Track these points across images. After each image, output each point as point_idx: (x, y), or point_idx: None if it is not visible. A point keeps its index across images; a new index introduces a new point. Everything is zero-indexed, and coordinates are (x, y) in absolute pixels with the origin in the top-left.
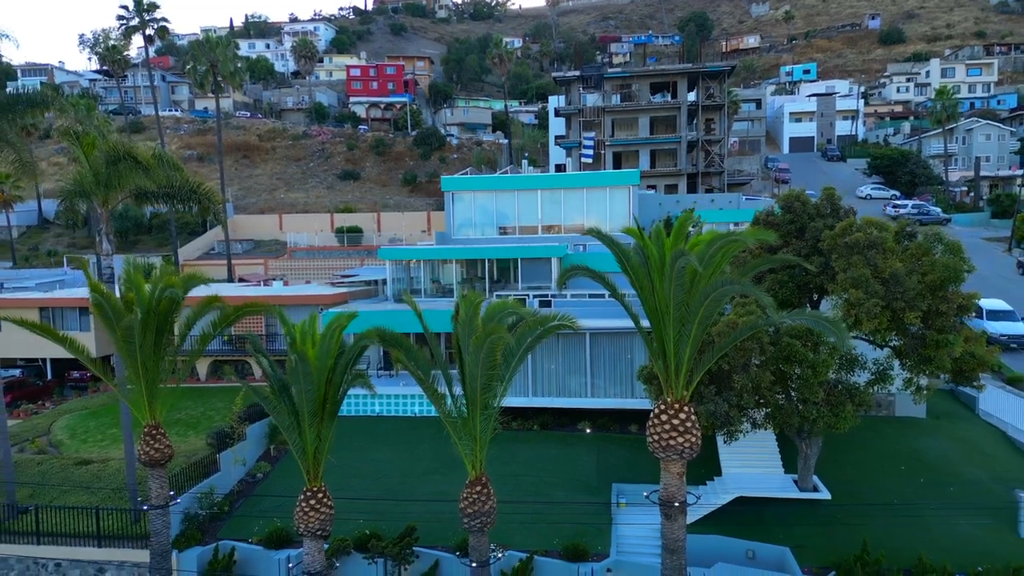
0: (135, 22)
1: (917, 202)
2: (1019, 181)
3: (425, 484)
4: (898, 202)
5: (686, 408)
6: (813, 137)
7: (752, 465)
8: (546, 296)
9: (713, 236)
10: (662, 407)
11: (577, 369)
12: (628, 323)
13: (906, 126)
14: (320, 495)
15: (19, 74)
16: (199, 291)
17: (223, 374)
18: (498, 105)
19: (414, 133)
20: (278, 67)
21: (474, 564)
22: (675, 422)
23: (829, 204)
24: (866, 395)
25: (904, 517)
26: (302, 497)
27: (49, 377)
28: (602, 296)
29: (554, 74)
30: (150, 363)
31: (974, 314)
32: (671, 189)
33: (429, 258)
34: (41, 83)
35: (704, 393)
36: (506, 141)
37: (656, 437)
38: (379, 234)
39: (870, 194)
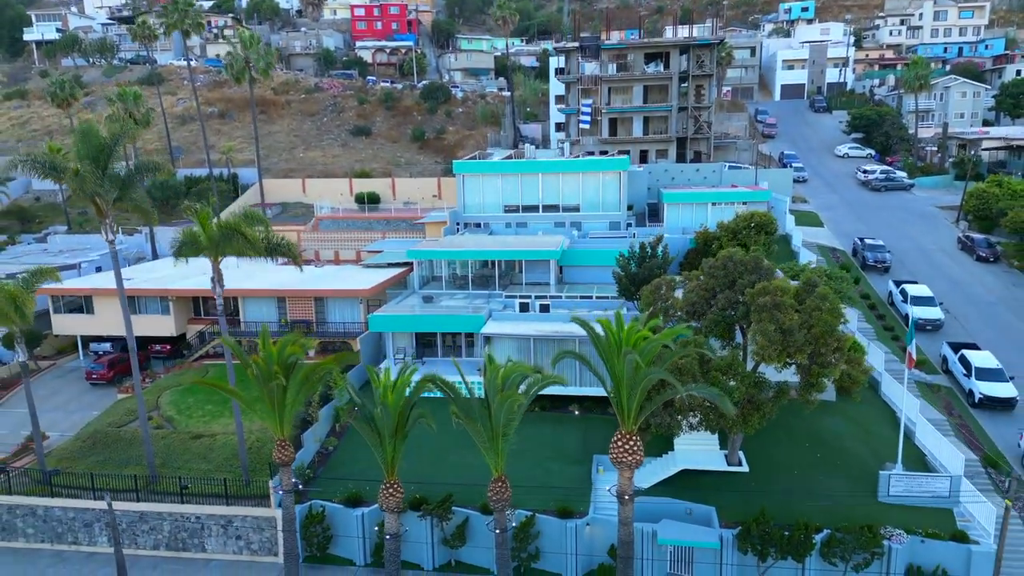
0: None
1: (885, 168)
2: (982, 145)
3: (456, 456)
4: (867, 167)
5: (634, 437)
6: (804, 84)
7: (696, 444)
8: (546, 298)
9: (647, 337)
10: (618, 435)
11: (569, 363)
12: None
13: (891, 78)
14: (396, 485)
15: (33, 20)
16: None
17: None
18: (500, 43)
19: (421, 85)
20: (283, 3)
21: (497, 531)
22: (627, 447)
23: (755, 265)
24: (769, 408)
25: (799, 485)
26: (383, 486)
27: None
28: (590, 297)
29: (554, 45)
30: (278, 398)
31: (903, 298)
32: (661, 154)
33: (449, 258)
34: (57, 29)
35: (655, 412)
36: (508, 93)
37: (615, 454)
38: (395, 199)
39: (847, 153)
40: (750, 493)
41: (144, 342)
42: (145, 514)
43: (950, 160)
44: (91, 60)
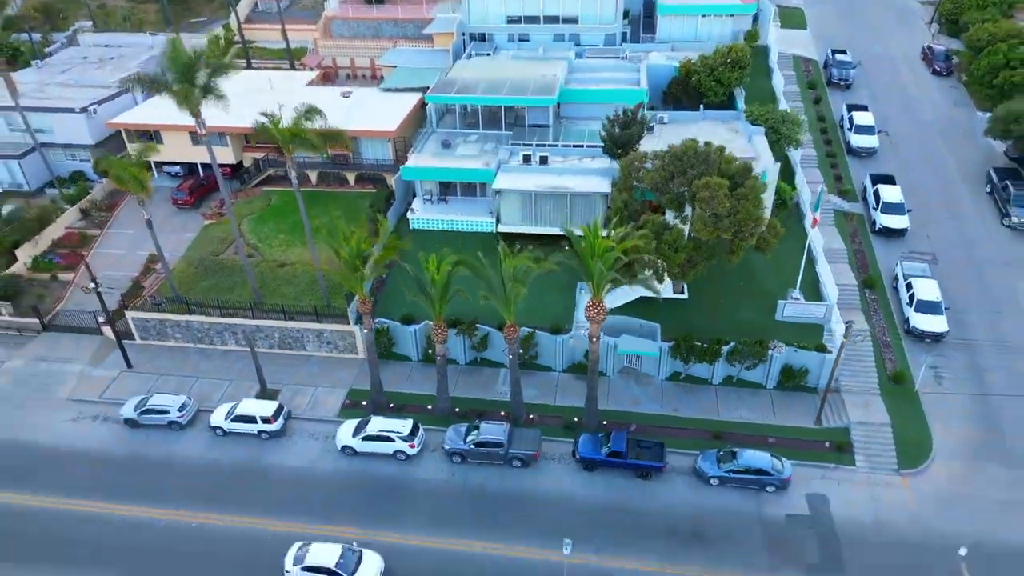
0: None
1: None
2: None
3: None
4: None
5: (601, 303)
6: None
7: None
8: (544, 147)
9: (611, 247)
10: (589, 302)
11: (563, 211)
12: (596, 188)
13: None
14: (442, 326)
15: None
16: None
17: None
18: None
19: None
20: None
21: (511, 356)
22: (595, 310)
23: (704, 158)
24: (702, 266)
25: (723, 311)
26: (434, 325)
27: (201, 173)
28: (581, 146)
29: None
30: (359, 276)
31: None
32: None
33: (463, 103)
34: None
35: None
36: None
37: (587, 314)
38: None
39: None
40: (686, 314)
41: (208, 167)
42: (261, 327)
43: None
44: None
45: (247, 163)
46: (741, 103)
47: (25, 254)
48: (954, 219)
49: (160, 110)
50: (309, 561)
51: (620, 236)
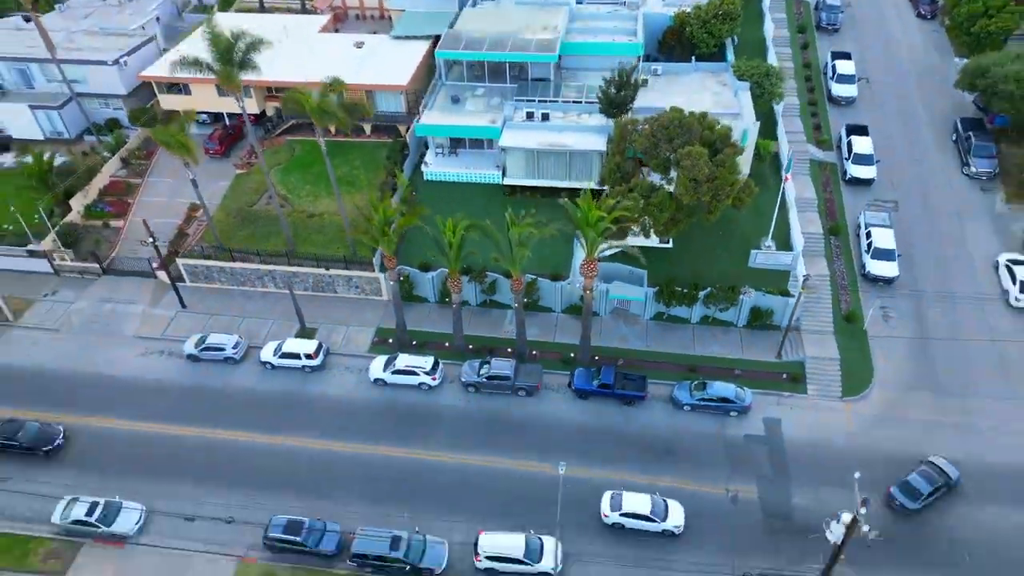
0: None
1: None
2: None
3: (489, 249)
4: None
5: (593, 262)
6: None
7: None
8: (546, 103)
9: (602, 217)
10: (583, 262)
11: (563, 166)
12: (593, 146)
13: None
14: (457, 277)
15: None
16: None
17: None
18: None
19: None
20: None
21: (516, 305)
22: (589, 268)
23: (687, 128)
24: (685, 223)
25: (703, 259)
26: (449, 276)
27: (227, 122)
28: (580, 102)
29: None
30: (390, 236)
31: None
32: None
33: (470, 59)
34: None
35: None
36: None
37: (581, 271)
38: None
39: None
40: (670, 262)
41: (232, 116)
42: (296, 272)
43: None
44: None
45: (269, 112)
46: (731, 55)
47: (78, 203)
48: (919, 166)
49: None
50: (626, 508)
51: (610, 207)
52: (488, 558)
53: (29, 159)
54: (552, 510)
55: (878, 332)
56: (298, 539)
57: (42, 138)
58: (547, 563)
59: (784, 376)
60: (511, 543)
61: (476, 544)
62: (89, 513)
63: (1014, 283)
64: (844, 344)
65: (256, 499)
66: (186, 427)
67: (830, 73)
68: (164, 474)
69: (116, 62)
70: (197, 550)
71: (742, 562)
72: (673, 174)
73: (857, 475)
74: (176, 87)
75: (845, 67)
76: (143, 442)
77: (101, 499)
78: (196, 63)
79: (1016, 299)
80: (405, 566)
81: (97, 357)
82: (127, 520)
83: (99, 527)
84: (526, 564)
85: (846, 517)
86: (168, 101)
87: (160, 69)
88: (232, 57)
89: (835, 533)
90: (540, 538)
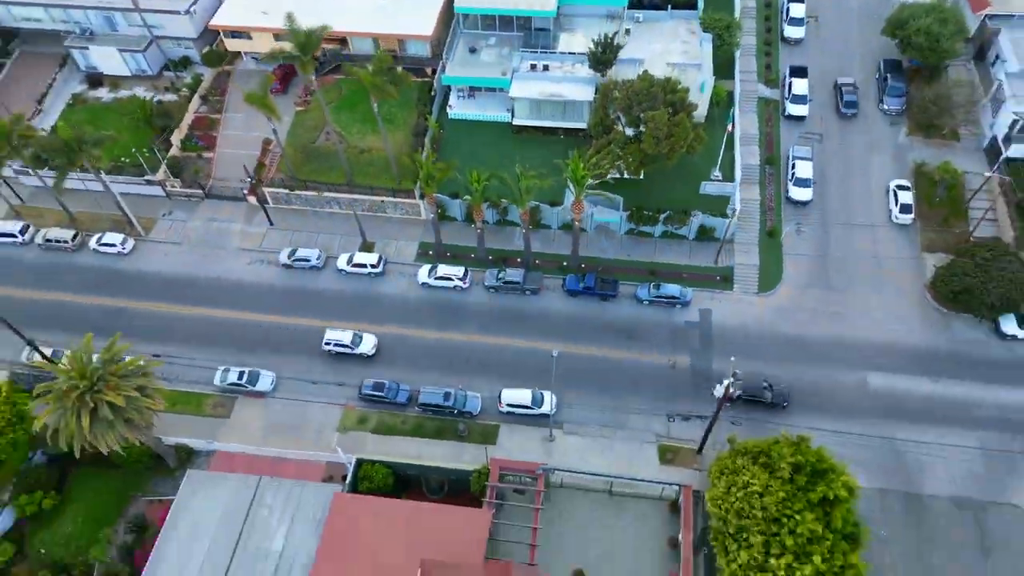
0: None
1: None
2: None
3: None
4: None
5: (580, 203)
6: None
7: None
8: (548, 53)
9: (586, 174)
10: (573, 202)
11: (560, 111)
12: (583, 96)
13: None
14: (481, 211)
15: None
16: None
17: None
18: None
19: None
20: None
21: (524, 229)
22: (576, 208)
23: (653, 95)
24: (651, 166)
25: (665, 188)
26: (475, 209)
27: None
28: (574, 54)
29: None
30: (432, 182)
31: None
32: None
33: (483, 13)
34: None
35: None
36: None
37: (572, 209)
38: None
39: None
40: (640, 191)
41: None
42: (354, 198)
43: None
44: None
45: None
46: (701, 2)
47: (176, 138)
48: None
49: (248, 12)
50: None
51: (592, 164)
52: (508, 405)
53: (123, 93)
54: (550, 375)
55: (791, 245)
56: (382, 394)
57: (128, 74)
58: (546, 408)
59: (718, 278)
60: (523, 395)
61: (500, 396)
62: (239, 378)
63: (896, 204)
64: (764, 253)
65: (345, 368)
66: (291, 317)
67: (783, 15)
68: (285, 352)
69: (187, 12)
70: (315, 401)
71: (673, 407)
72: (643, 128)
73: (732, 359)
74: (238, 33)
75: (796, 10)
76: (263, 329)
77: (246, 368)
78: (285, 55)
79: (896, 217)
80: (454, 410)
81: (215, 265)
82: (265, 382)
83: (247, 387)
84: (532, 409)
85: (725, 383)
86: (232, 44)
87: (223, 15)
88: (310, 49)
89: (718, 392)
90: (542, 392)
